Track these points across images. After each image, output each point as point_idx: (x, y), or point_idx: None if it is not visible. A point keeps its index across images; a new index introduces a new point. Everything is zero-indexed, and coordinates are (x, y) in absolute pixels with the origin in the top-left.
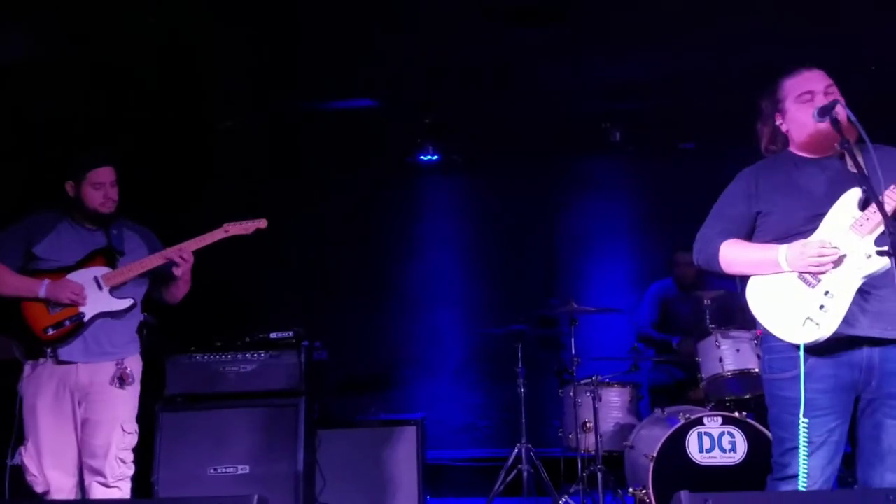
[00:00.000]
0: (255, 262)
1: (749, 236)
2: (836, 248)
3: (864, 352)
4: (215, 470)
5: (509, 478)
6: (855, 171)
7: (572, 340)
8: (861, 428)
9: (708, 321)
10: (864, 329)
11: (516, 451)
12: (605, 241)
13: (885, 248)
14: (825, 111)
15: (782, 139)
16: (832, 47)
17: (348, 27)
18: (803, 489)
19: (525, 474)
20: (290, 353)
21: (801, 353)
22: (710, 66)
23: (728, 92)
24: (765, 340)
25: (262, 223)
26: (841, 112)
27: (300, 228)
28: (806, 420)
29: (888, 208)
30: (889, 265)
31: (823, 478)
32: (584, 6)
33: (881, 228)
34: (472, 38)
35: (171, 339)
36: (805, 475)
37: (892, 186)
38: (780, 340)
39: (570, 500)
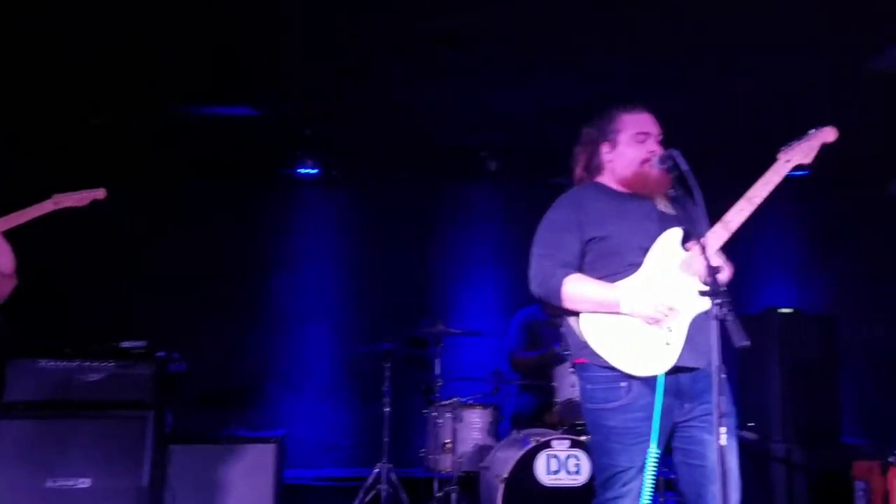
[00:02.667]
0: (117, 269)
1: (582, 262)
2: (672, 307)
3: (677, 378)
4: (53, 482)
5: (368, 498)
6: (670, 211)
7: (437, 361)
8: (682, 449)
9: (565, 348)
10: (685, 360)
11: (377, 470)
12: (476, 265)
13: (707, 289)
14: (665, 160)
15: (596, 167)
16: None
17: (229, 31)
18: None
19: (383, 494)
20: (143, 364)
21: (660, 385)
22: (583, 104)
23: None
24: (585, 370)
25: (100, 193)
26: (681, 163)
27: (167, 236)
28: (658, 451)
29: (712, 247)
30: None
31: (644, 500)
32: (471, 36)
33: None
34: (358, 58)
35: (16, 342)
36: (630, 497)
37: (717, 225)
38: (603, 371)
39: None
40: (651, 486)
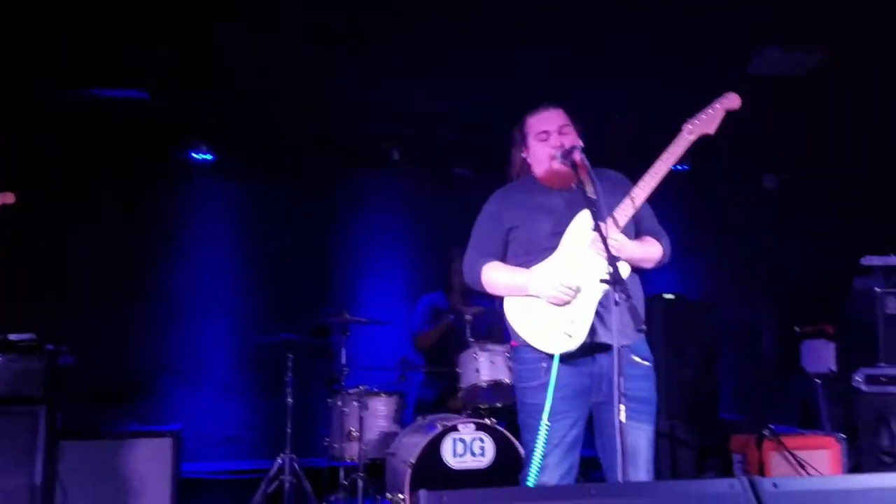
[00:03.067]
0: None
1: (506, 251)
2: (576, 286)
3: (597, 359)
4: None
5: (270, 489)
6: (588, 195)
7: (343, 350)
8: (599, 430)
9: (468, 335)
10: (601, 337)
11: (279, 461)
12: (380, 254)
13: (607, 276)
14: (566, 154)
15: (527, 168)
16: (594, 94)
17: (121, 12)
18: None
19: (287, 485)
20: (32, 357)
21: (556, 361)
22: (486, 100)
23: (501, 125)
24: (516, 352)
25: (9, 198)
26: (577, 157)
27: (54, 224)
28: (549, 423)
29: (614, 236)
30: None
31: (559, 474)
32: (374, 28)
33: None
34: (257, 43)
35: None
36: (538, 472)
37: (624, 201)
38: (530, 353)
39: None
40: (551, 459)
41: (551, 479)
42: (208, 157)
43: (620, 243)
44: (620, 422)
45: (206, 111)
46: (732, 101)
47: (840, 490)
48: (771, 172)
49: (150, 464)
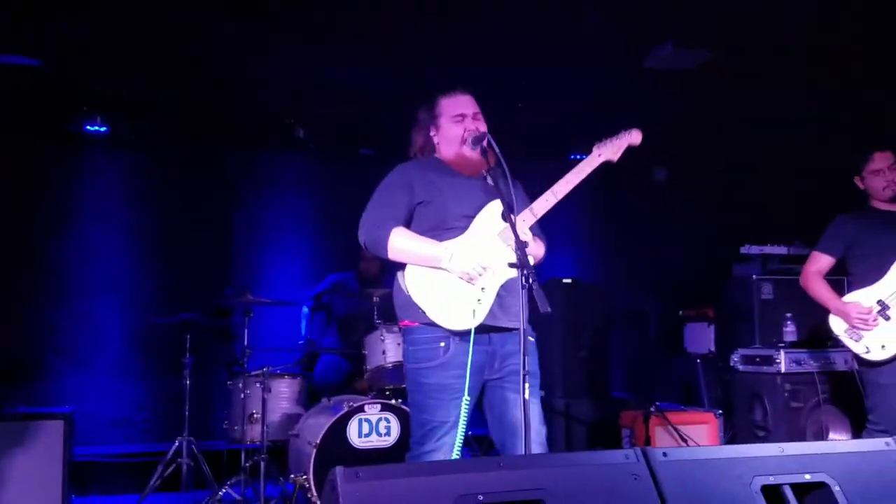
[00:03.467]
0: None
1: (409, 223)
2: (486, 267)
3: (490, 337)
4: None
5: (167, 472)
6: (494, 186)
7: (245, 331)
8: (490, 406)
9: (376, 317)
10: (497, 320)
11: (177, 444)
12: (283, 234)
13: (515, 262)
14: (477, 140)
15: (431, 148)
16: (496, 81)
17: None
18: None
19: (184, 468)
20: None
21: (472, 337)
22: (393, 80)
23: (407, 106)
24: (408, 333)
25: None
26: (489, 144)
27: None
28: (468, 398)
29: (521, 228)
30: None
31: (457, 452)
32: (278, 2)
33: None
34: (160, 14)
35: None
36: (459, 451)
37: (525, 210)
38: (426, 332)
39: (230, 492)
40: (462, 436)
41: (446, 456)
42: (102, 129)
43: (527, 237)
44: (524, 399)
45: (101, 82)
46: (635, 137)
47: (722, 458)
48: (661, 165)
49: (40, 447)
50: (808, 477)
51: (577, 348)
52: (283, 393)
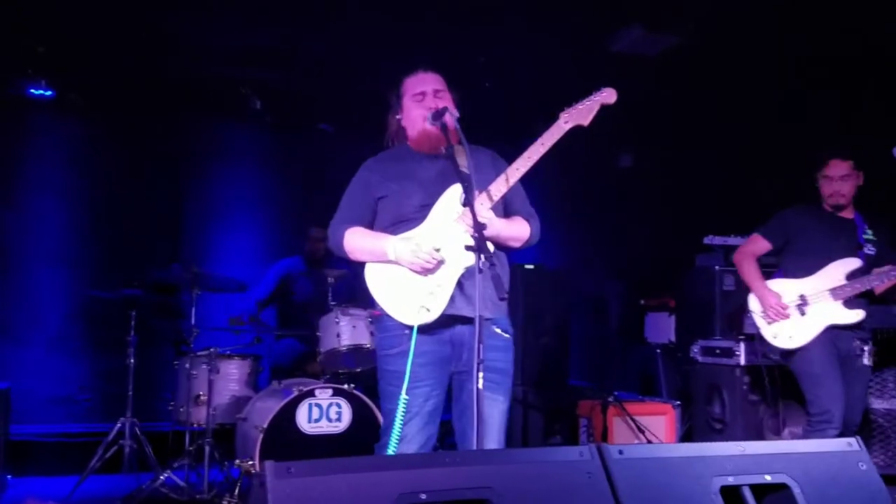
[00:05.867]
0: None
1: (373, 220)
2: (438, 250)
3: (457, 329)
4: None
5: (109, 454)
6: (461, 169)
7: (193, 310)
8: (456, 398)
9: (330, 298)
10: (459, 309)
11: (119, 425)
12: (236, 208)
13: (472, 245)
14: (437, 116)
15: (402, 132)
16: (462, 56)
17: None
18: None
19: (127, 449)
20: None
21: (415, 333)
22: (353, 54)
23: (366, 80)
24: (379, 320)
25: None
26: (449, 119)
27: None
28: (407, 396)
29: (485, 209)
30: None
31: (418, 443)
32: None
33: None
34: None
35: None
36: (397, 441)
37: (482, 193)
38: (392, 320)
39: (173, 475)
40: (410, 428)
41: (409, 448)
42: (48, 93)
43: (488, 219)
44: (478, 389)
45: (48, 45)
46: (608, 95)
47: (680, 457)
48: (626, 152)
49: None
50: (768, 478)
51: (536, 335)
52: (232, 375)
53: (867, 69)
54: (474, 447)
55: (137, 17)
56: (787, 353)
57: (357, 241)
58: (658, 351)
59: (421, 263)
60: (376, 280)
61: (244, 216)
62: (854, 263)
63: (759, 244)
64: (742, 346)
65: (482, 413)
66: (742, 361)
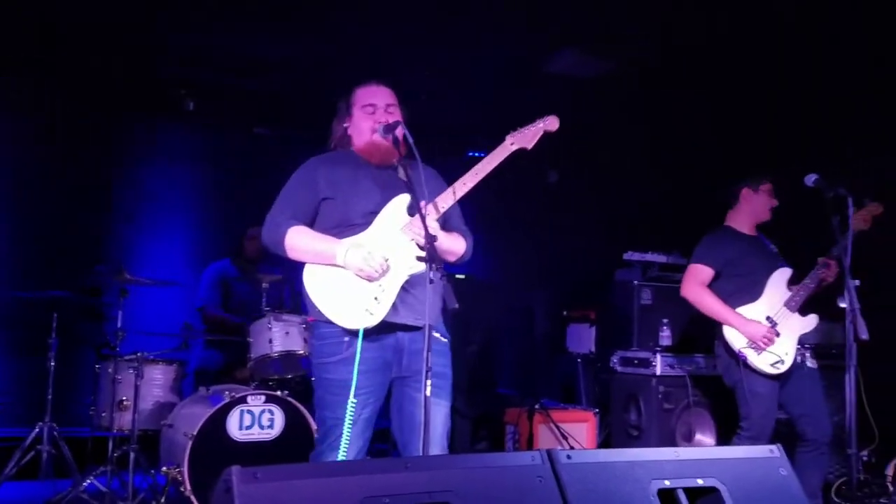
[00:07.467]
0: None
1: (314, 220)
2: (387, 259)
3: (397, 336)
4: None
5: (25, 459)
6: (405, 180)
7: (120, 312)
8: (397, 404)
9: (264, 304)
10: (402, 317)
11: (37, 430)
12: (167, 210)
13: (423, 254)
14: (389, 129)
15: (347, 140)
16: (400, 71)
17: None
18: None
19: (45, 455)
20: None
21: (360, 338)
22: (291, 57)
23: (305, 84)
24: (315, 327)
25: None
26: (400, 133)
27: None
28: (355, 400)
29: (430, 220)
30: (425, 269)
31: (356, 450)
32: None
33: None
34: None
35: None
36: (346, 448)
37: (431, 204)
38: (330, 327)
39: (95, 482)
40: (352, 435)
41: (348, 455)
42: None
43: (434, 230)
44: (426, 396)
45: None
46: (552, 123)
47: (622, 461)
48: (554, 168)
49: None
50: (700, 482)
51: (465, 343)
52: (157, 380)
53: (782, 102)
54: (419, 453)
55: (65, 12)
56: (731, 371)
57: (302, 241)
58: (579, 361)
59: (370, 272)
60: (317, 283)
61: (175, 218)
62: (787, 272)
63: (704, 273)
64: (658, 357)
65: (431, 419)
66: (658, 371)
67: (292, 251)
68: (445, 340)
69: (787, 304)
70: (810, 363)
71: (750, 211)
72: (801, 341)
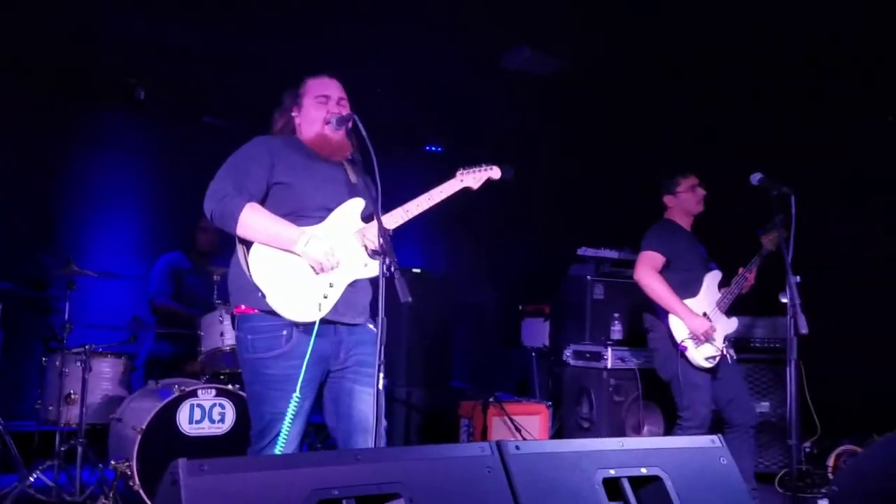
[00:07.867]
0: None
1: (263, 200)
2: (339, 261)
3: (336, 328)
4: None
5: None
6: (355, 181)
7: (67, 305)
8: (333, 397)
9: (215, 296)
10: (342, 316)
11: None
12: (116, 200)
13: (371, 259)
14: (342, 122)
15: (290, 130)
16: (356, 64)
17: None
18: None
19: None
20: None
21: (315, 331)
22: (243, 48)
23: (256, 75)
24: (246, 320)
25: None
26: (352, 127)
27: None
28: (299, 395)
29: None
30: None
31: (296, 444)
32: None
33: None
34: None
35: None
36: (284, 443)
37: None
38: (266, 320)
39: (42, 477)
40: (293, 429)
41: (289, 449)
42: None
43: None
44: (378, 390)
45: None
46: (495, 172)
47: (569, 452)
48: (509, 164)
49: None
50: (644, 471)
51: (420, 337)
52: (105, 373)
53: (728, 101)
54: (360, 445)
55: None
56: (667, 364)
57: (259, 221)
58: (533, 354)
59: (325, 265)
60: (266, 268)
61: (124, 208)
62: (718, 275)
63: (657, 259)
64: (609, 350)
65: (381, 412)
66: (609, 365)
67: (244, 227)
68: (374, 329)
69: (718, 305)
70: (731, 355)
71: (684, 206)
72: (725, 338)
